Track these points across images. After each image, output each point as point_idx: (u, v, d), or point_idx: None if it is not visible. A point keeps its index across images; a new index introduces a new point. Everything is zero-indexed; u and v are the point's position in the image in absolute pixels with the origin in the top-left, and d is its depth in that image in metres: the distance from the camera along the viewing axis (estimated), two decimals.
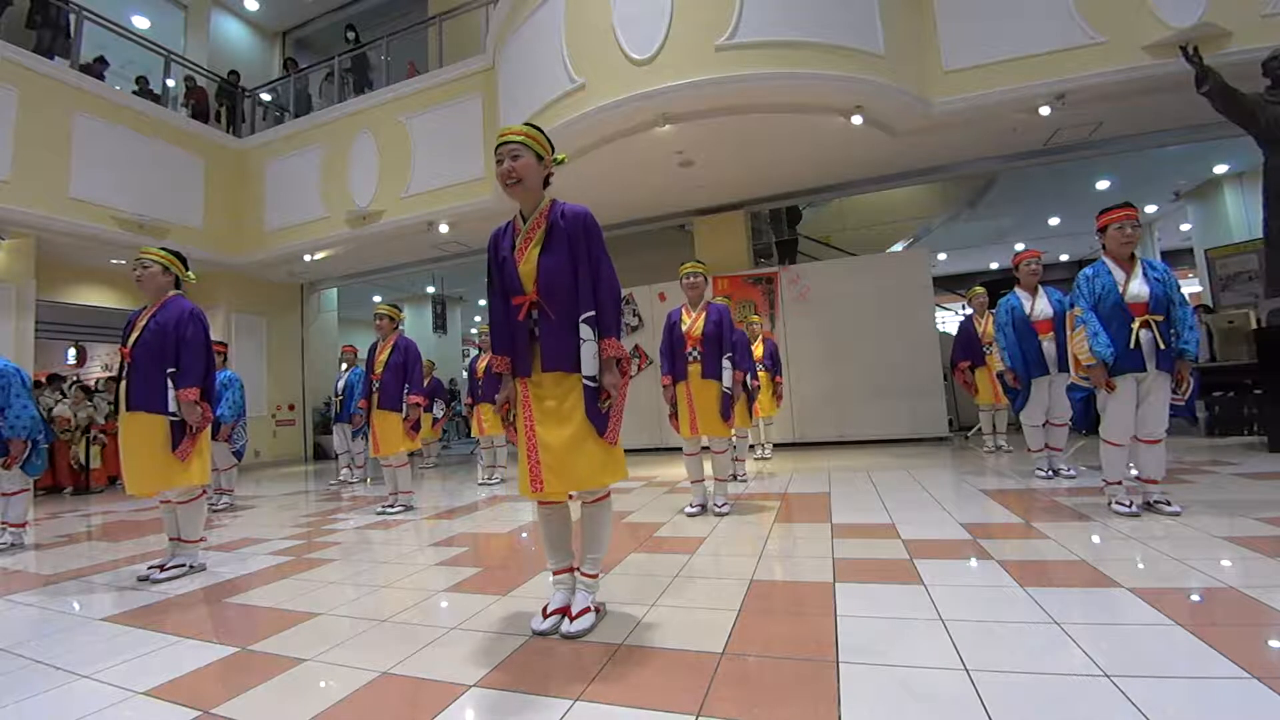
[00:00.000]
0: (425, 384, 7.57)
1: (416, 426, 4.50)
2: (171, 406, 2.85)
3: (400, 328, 4.67)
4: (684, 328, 3.67)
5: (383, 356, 4.46)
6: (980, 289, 5.99)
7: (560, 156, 2.07)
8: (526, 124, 2.04)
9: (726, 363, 3.58)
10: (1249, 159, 7.82)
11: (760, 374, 5.64)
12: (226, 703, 1.58)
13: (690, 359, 3.63)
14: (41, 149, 6.95)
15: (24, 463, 3.79)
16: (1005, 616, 1.82)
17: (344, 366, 7.08)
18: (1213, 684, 1.37)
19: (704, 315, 3.65)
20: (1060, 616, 1.78)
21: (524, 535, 3.54)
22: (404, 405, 4.41)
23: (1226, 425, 5.86)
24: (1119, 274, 2.97)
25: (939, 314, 9.25)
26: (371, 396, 4.46)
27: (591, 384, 1.89)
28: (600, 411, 1.91)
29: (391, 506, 4.53)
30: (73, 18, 7.82)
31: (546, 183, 2.04)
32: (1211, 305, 7.80)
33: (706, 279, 3.75)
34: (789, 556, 2.71)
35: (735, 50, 5.20)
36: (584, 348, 1.90)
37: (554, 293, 1.93)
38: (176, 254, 3.09)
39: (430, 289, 14.11)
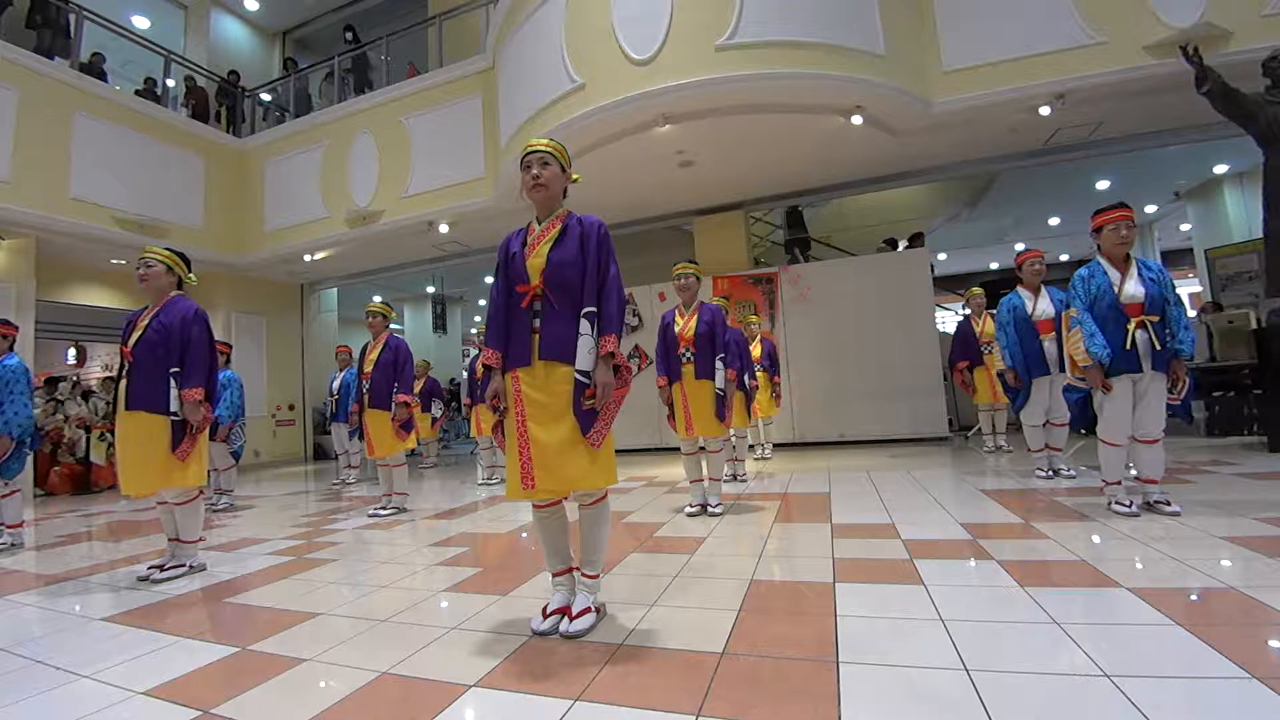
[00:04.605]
0: (422, 384, 7.64)
1: (407, 426, 4.42)
2: (173, 406, 2.85)
3: (390, 327, 4.63)
4: (677, 329, 3.69)
5: (373, 355, 4.42)
6: (978, 289, 6.00)
7: (575, 176, 2.16)
8: (549, 139, 2.15)
9: (719, 363, 3.60)
10: (1249, 159, 7.82)
11: (759, 374, 5.65)
12: (226, 703, 1.59)
13: (684, 360, 3.65)
14: (41, 149, 6.95)
15: (4, 463, 3.77)
16: (1005, 616, 1.82)
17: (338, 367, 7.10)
18: (1212, 684, 1.37)
19: (696, 316, 3.67)
20: (1060, 616, 1.78)
21: (524, 535, 3.54)
22: (393, 405, 4.35)
23: (1226, 425, 5.85)
24: (1114, 274, 2.97)
25: (939, 314, 9.25)
26: (363, 398, 4.43)
27: (583, 378, 1.89)
28: (585, 409, 1.89)
29: (384, 508, 4.48)
30: (73, 18, 7.82)
31: (564, 194, 2.14)
32: (1220, 304, 7.76)
33: (699, 279, 3.77)
34: (789, 556, 2.71)
35: (735, 50, 5.20)
36: (581, 341, 1.91)
37: (559, 284, 1.95)
38: (180, 255, 3.09)
39: (430, 289, 14.11)
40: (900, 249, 9.14)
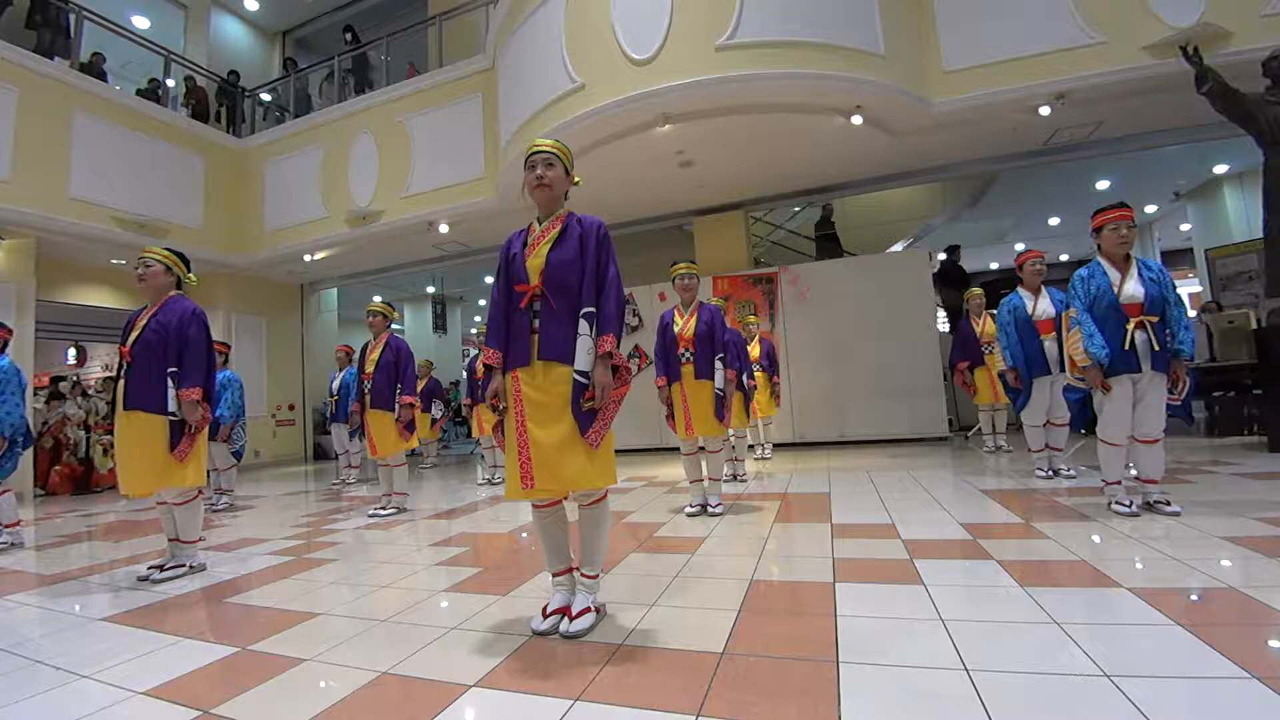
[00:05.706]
0: (423, 384, 7.64)
1: (410, 426, 4.43)
2: (171, 406, 2.85)
3: (391, 327, 4.62)
4: (676, 329, 3.69)
5: (374, 355, 4.42)
6: (978, 290, 6.00)
7: (577, 180, 2.17)
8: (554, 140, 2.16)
9: (718, 363, 3.60)
10: (1249, 159, 7.80)
11: (758, 374, 5.65)
12: (226, 703, 1.59)
13: (683, 360, 3.65)
14: (41, 149, 6.94)
15: None
16: (1005, 616, 1.82)
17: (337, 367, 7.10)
18: (1213, 684, 1.37)
19: (695, 316, 3.67)
20: (1060, 616, 1.78)
21: (524, 535, 3.53)
22: (396, 405, 4.37)
23: (1226, 425, 5.85)
24: (1114, 274, 2.97)
25: (939, 314, 9.24)
26: (364, 398, 4.43)
27: (581, 379, 1.90)
28: (583, 409, 1.90)
29: (384, 508, 4.48)
30: (73, 18, 7.82)
31: (565, 195, 2.15)
32: (1220, 303, 7.76)
33: (698, 279, 3.79)
34: (789, 556, 2.71)
35: (735, 50, 5.20)
36: (579, 341, 1.91)
37: (558, 285, 1.96)
38: (179, 255, 3.10)
39: (430, 289, 14.11)
40: (940, 257, 9.10)
